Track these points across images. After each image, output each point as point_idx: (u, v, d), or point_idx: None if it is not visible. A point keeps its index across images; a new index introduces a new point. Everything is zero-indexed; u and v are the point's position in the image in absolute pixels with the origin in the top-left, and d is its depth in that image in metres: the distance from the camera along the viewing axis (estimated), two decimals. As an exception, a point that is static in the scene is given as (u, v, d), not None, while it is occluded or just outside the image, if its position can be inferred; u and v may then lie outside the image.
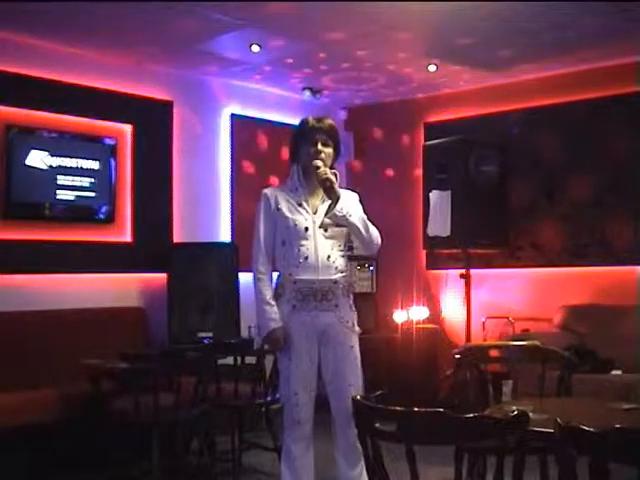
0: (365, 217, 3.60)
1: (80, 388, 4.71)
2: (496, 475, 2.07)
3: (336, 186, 3.47)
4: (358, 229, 3.53)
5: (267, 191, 3.65)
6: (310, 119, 3.61)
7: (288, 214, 3.53)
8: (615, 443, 1.86)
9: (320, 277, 3.48)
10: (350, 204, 3.56)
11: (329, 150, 3.57)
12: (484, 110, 6.76)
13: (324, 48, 5.76)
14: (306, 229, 3.50)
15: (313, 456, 3.61)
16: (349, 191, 3.71)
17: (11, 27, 5.15)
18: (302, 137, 3.59)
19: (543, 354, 3.53)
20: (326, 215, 3.50)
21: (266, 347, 3.86)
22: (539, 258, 6.49)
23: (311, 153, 3.53)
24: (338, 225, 3.52)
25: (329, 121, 3.62)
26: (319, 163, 3.50)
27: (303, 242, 3.49)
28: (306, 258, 3.48)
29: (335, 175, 3.55)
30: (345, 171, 7.62)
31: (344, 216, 3.47)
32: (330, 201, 3.50)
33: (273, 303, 3.53)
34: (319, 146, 3.53)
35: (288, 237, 3.52)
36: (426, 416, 2.02)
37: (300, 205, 3.55)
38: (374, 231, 3.60)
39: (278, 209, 3.55)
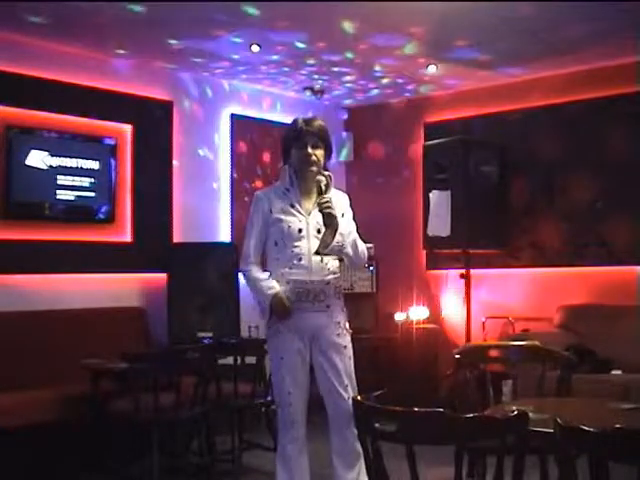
0: (355, 231, 3.64)
1: (80, 388, 4.71)
2: (496, 475, 2.07)
3: (336, 219, 3.47)
4: (349, 256, 3.58)
5: (260, 193, 3.68)
6: (299, 121, 3.60)
7: (282, 216, 3.54)
8: (615, 443, 1.86)
9: (313, 278, 3.50)
10: (340, 206, 3.62)
11: (320, 152, 3.58)
12: (484, 110, 6.76)
13: (324, 48, 5.76)
14: (300, 230, 3.53)
15: (307, 457, 3.61)
16: (340, 192, 3.74)
17: (11, 27, 5.15)
18: (293, 140, 3.59)
19: (543, 354, 3.53)
20: (322, 245, 3.49)
21: (272, 319, 3.55)
22: (539, 258, 6.49)
23: (302, 156, 3.55)
24: (328, 222, 3.50)
25: (318, 122, 3.61)
26: (322, 181, 3.51)
27: (297, 243, 3.51)
28: (300, 259, 3.51)
29: (329, 177, 3.61)
30: (345, 171, 7.64)
31: (340, 247, 3.50)
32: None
33: (266, 277, 3.53)
34: (309, 149, 3.54)
35: (282, 238, 3.53)
36: (426, 416, 2.02)
37: (293, 207, 3.57)
38: (362, 249, 3.63)
39: (271, 211, 3.57)
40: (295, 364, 3.52)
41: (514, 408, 2.11)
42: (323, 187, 3.49)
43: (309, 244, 3.51)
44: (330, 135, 3.69)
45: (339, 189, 3.77)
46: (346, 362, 3.57)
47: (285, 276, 3.51)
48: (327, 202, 3.45)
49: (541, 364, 3.45)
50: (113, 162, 5.89)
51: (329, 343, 3.54)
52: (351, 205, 3.73)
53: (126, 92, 6.01)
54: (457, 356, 3.57)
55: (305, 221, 3.55)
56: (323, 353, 3.55)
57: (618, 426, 1.85)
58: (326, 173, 3.61)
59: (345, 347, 3.58)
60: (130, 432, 4.47)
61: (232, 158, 6.79)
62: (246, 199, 6.57)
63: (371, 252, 6.71)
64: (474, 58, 5.98)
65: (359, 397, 2.21)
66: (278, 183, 3.69)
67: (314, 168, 3.56)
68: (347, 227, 3.58)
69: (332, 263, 3.57)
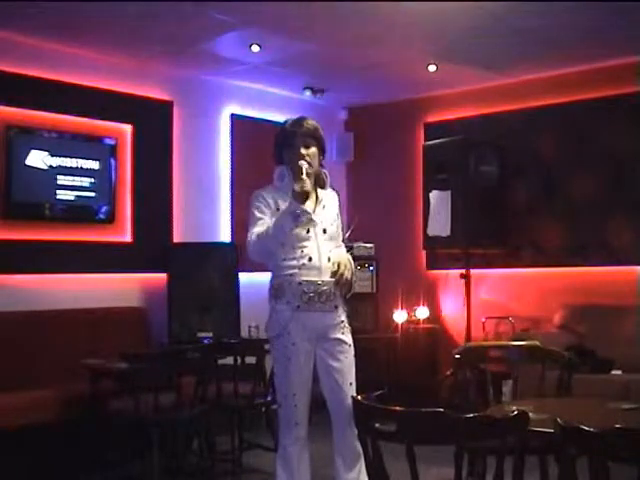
0: (340, 230, 3.69)
1: (80, 388, 4.71)
2: (496, 475, 2.07)
3: (350, 263, 3.55)
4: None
5: (263, 192, 3.62)
6: (289, 122, 3.59)
7: None
8: (615, 443, 1.86)
9: (324, 278, 3.48)
10: (333, 204, 3.64)
11: (313, 150, 3.53)
12: (484, 110, 6.76)
13: (324, 48, 5.75)
14: (307, 231, 3.49)
15: (308, 457, 3.61)
16: (330, 190, 3.70)
17: (11, 27, 5.15)
18: (284, 141, 3.58)
19: (543, 354, 3.53)
20: (346, 290, 3.57)
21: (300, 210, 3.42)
22: (539, 258, 6.49)
23: (294, 156, 3.50)
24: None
25: (309, 122, 3.58)
26: (307, 185, 3.44)
27: (305, 243, 3.48)
28: (310, 259, 3.47)
29: (325, 175, 3.61)
30: (345, 171, 7.64)
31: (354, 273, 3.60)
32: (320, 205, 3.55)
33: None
34: (301, 149, 3.50)
35: (289, 240, 3.47)
36: (426, 416, 2.02)
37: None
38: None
39: (278, 210, 3.51)
40: (302, 365, 3.50)
41: (514, 408, 2.11)
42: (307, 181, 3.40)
43: (317, 244, 3.50)
44: (322, 133, 3.65)
45: (331, 187, 3.73)
46: (350, 360, 3.57)
47: (296, 277, 3.46)
48: (343, 270, 3.49)
49: (541, 364, 3.45)
50: (113, 162, 5.89)
51: (335, 342, 3.53)
52: (339, 202, 3.72)
53: (126, 92, 6.01)
54: (457, 356, 3.57)
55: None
56: (328, 352, 3.53)
57: (618, 426, 1.85)
58: (323, 171, 3.59)
59: (350, 345, 3.58)
60: (130, 432, 4.47)
61: (232, 158, 6.79)
62: (246, 199, 6.55)
63: (371, 252, 6.74)
64: (474, 58, 5.98)
65: (359, 397, 2.22)
66: (277, 183, 3.63)
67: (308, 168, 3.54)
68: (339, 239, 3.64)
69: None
